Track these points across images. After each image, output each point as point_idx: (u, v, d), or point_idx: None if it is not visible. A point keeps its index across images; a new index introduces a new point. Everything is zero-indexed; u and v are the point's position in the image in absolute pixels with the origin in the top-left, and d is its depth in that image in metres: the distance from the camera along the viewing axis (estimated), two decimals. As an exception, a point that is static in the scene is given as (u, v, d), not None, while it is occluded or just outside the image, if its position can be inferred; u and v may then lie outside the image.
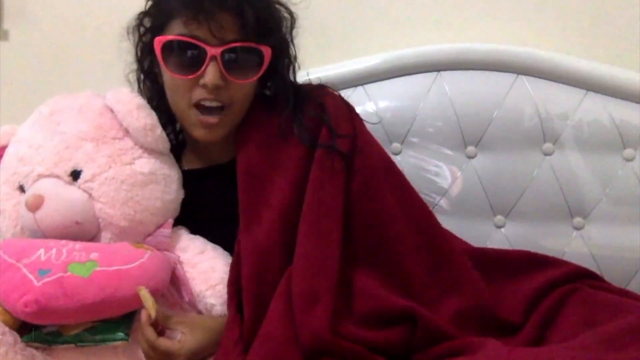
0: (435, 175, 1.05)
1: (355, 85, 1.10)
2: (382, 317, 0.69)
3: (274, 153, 0.77)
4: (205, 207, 0.81)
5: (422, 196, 0.99)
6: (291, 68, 0.81)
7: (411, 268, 0.73)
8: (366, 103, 1.08)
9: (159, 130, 0.75)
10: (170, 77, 0.74)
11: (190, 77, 0.72)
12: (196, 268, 0.74)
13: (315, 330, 0.63)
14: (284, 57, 0.79)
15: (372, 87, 1.10)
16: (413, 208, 0.78)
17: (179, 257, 0.74)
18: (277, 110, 0.78)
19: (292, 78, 0.82)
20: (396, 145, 1.08)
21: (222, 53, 0.71)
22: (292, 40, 0.80)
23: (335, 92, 0.84)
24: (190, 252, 0.75)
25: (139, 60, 0.80)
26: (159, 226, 0.75)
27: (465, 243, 0.88)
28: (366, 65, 1.09)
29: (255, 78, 0.75)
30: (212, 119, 0.74)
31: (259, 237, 0.72)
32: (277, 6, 0.77)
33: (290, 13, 0.79)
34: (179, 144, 0.84)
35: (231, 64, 0.72)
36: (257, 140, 0.77)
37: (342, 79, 1.10)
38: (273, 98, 0.79)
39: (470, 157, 1.05)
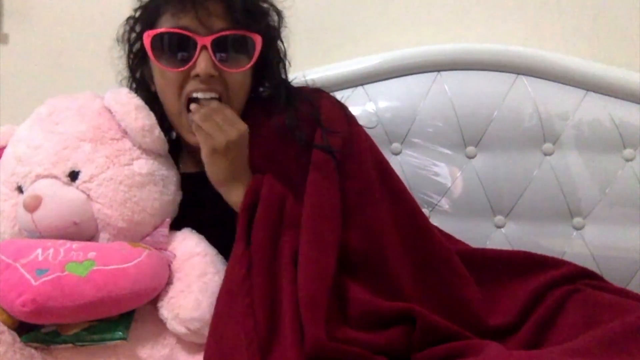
0: (435, 175, 1.05)
1: (355, 86, 1.10)
2: (381, 318, 0.69)
3: (274, 157, 0.76)
4: (201, 212, 0.80)
5: (422, 196, 1.03)
6: (281, 65, 0.80)
7: (400, 277, 0.73)
8: (366, 103, 1.08)
9: (157, 131, 0.74)
10: (161, 74, 0.73)
11: (181, 69, 0.71)
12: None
13: (314, 336, 0.62)
14: (274, 49, 0.78)
15: (372, 88, 1.10)
16: (405, 215, 0.77)
17: (175, 255, 0.73)
18: (273, 112, 0.77)
19: (283, 75, 0.81)
20: (396, 146, 1.07)
21: (213, 42, 0.70)
22: (280, 37, 0.79)
23: (332, 95, 0.83)
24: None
25: (130, 68, 0.79)
26: (157, 226, 0.74)
27: (463, 244, 0.87)
28: (366, 65, 1.09)
29: (247, 67, 0.74)
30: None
31: (266, 230, 0.70)
32: (264, 4, 0.77)
33: (278, 12, 0.78)
34: (176, 146, 0.83)
35: (222, 53, 0.71)
36: (256, 145, 0.76)
37: (342, 79, 1.10)
38: (269, 100, 0.79)
39: (470, 157, 1.05)
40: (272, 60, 0.78)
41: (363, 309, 0.69)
